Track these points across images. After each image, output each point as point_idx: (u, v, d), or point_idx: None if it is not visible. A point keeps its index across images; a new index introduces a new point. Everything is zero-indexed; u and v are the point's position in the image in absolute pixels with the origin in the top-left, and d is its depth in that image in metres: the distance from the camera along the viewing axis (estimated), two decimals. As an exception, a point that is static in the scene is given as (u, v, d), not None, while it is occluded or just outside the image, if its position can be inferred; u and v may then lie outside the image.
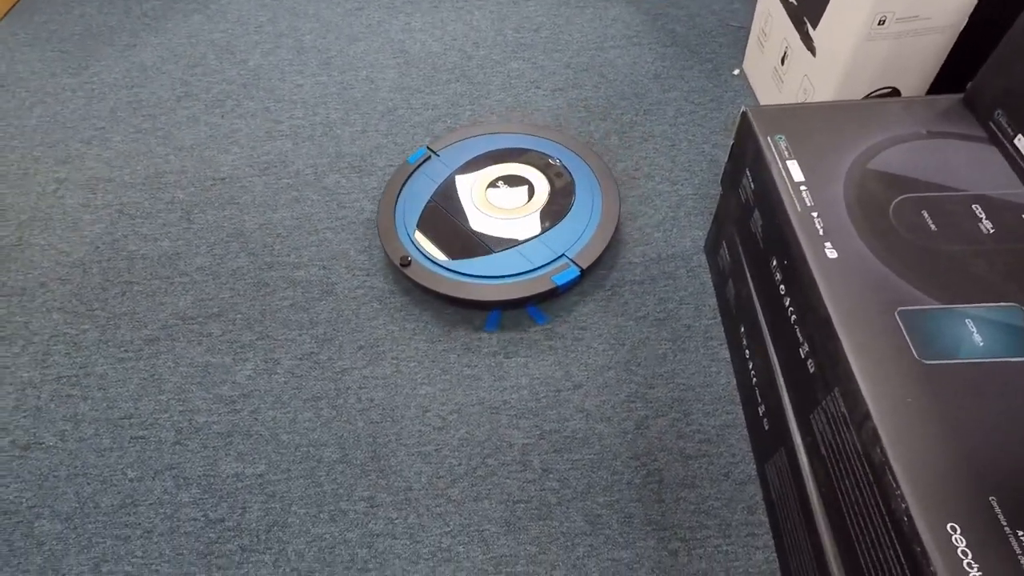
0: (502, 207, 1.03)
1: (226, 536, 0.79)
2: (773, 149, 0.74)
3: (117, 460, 0.86)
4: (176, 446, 0.87)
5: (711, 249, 0.99)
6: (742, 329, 0.86)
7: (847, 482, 0.58)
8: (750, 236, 0.80)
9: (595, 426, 0.86)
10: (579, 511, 0.79)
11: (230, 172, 1.20)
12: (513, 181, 1.06)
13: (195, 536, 0.80)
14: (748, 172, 0.79)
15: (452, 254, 0.97)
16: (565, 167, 1.07)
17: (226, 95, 1.34)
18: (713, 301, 0.97)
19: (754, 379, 0.82)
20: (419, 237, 1.00)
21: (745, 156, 0.80)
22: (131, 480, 0.84)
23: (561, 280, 0.93)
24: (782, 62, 1.12)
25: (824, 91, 1.00)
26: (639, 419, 0.86)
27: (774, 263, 0.73)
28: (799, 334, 0.67)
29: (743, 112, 0.79)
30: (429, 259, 0.97)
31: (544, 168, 1.07)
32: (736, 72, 1.30)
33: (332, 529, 0.79)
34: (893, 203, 0.69)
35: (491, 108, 1.27)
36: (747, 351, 0.84)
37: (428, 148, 1.13)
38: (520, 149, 1.11)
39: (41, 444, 0.88)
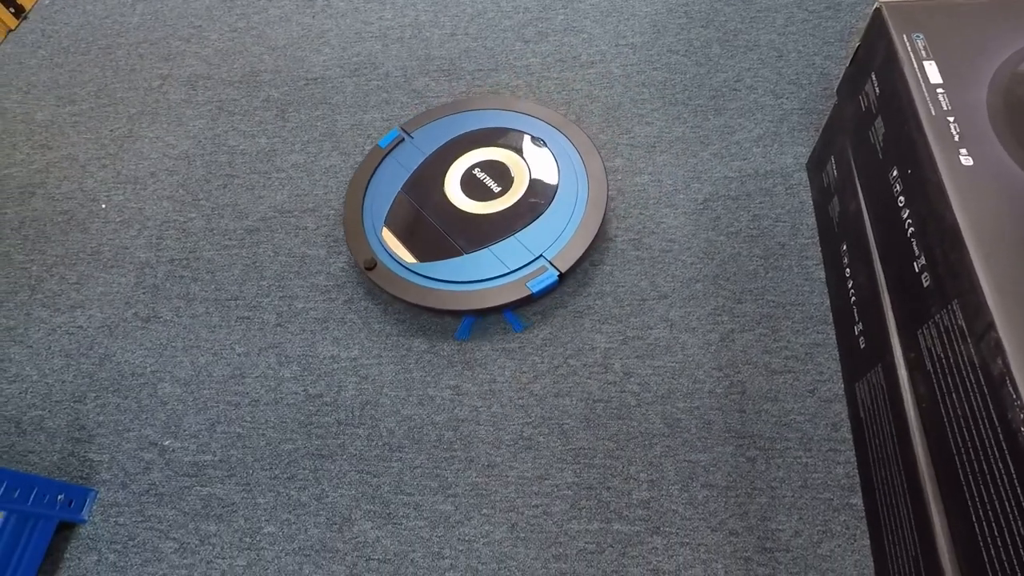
0: (477, 199, 0.93)
1: (324, 410, 0.86)
2: (908, 48, 0.68)
3: (226, 336, 0.93)
4: (277, 327, 0.93)
5: (815, 165, 0.94)
6: (844, 247, 0.82)
7: (954, 395, 0.57)
8: (867, 147, 0.75)
9: (679, 336, 0.86)
10: (658, 414, 0.81)
11: (321, 72, 1.21)
12: (490, 168, 0.95)
13: (296, 408, 0.87)
14: (874, 76, 0.74)
15: (420, 256, 0.89)
16: (549, 148, 0.97)
17: (316, -5, 1.34)
18: (811, 220, 0.93)
19: (852, 297, 0.79)
20: (386, 235, 0.91)
21: (873, 58, 0.74)
22: (239, 355, 0.91)
23: (537, 287, 0.84)
24: (915, -38, 1.01)
25: (965, -7, 0.90)
26: (725, 332, 0.86)
27: (894, 173, 0.69)
28: (916, 247, 0.64)
29: (876, 8, 0.72)
30: (396, 261, 0.89)
31: (526, 152, 0.97)
32: (857, -24, 1.18)
33: (420, 411, 0.84)
34: (1045, 109, 0.62)
35: (584, 12, 1.21)
36: (847, 269, 0.81)
37: (401, 129, 1.02)
38: (500, 129, 1.00)
39: (160, 318, 0.96)
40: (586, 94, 1.10)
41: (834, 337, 0.84)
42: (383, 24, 1.26)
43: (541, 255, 0.87)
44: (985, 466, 0.53)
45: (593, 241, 0.88)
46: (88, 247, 1.04)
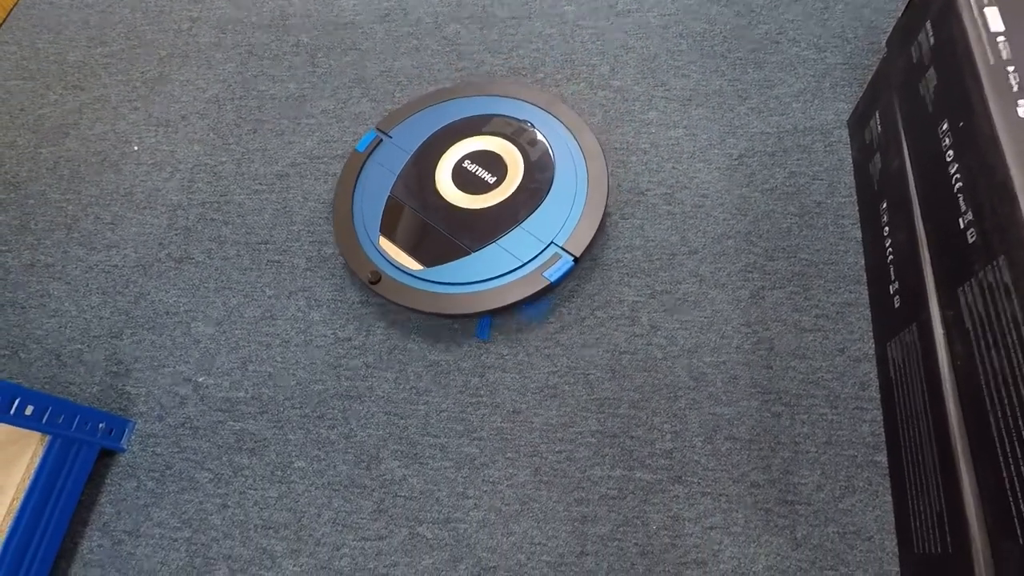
0: (473, 193, 0.89)
1: (352, 353, 0.87)
2: (970, -7, 0.65)
3: (256, 279, 0.95)
4: (307, 271, 0.94)
5: (857, 122, 0.92)
6: (884, 205, 0.80)
7: (993, 353, 0.56)
8: (916, 100, 0.73)
9: (708, 291, 0.85)
10: (684, 367, 0.81)
11: (352, 18, 1.19)
12: (481, 158, 0.91)
13: (326, 350, 0.88)
14: (929, 25, 0.70)
15: (425, 261, 0.85)
16: (538, 130, 0.93)
17: (345, -62, 1.30)
18: (850, 178, 0.91)
19: (890, 256, 0.77)
20: (385, 244, 0.86)
21: (929, 5, 0.71)
22: (269, 297, 0.93)
23: (554, 275, 0.81)
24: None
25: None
26: (755, 289, 0.85)
27: (944, 126, 0.66)
28: (963, 202, 0.62)
29: (937, -50, 0.69)
30: (400, 270, 0.85)
31: (514, 136, 0.92)
32: (912, -76, 1.12)
33: (447, 357, 0.85)
34: (1112, 59, 0.59)
35: (621, -41, 1.17)
36: (886, 228, 0.79)
37: (377, 129, 0.98)
38: (484, 116, 0.95)
39: (192, 259, 0.98)
40: (621, 44, 1.07)
41: (867, 297, 0.83)
42: (414, -32, 1.23)
43: (552, 242, 0.84)
44: (1022, 422, 0.52)
45: (603, 219, 0.86)
46: (121, 188, 1.06)
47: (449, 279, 0.84)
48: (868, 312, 0.82)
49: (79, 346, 0.92)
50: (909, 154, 0.75)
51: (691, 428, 0.78)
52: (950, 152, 0.65)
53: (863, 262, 0.85)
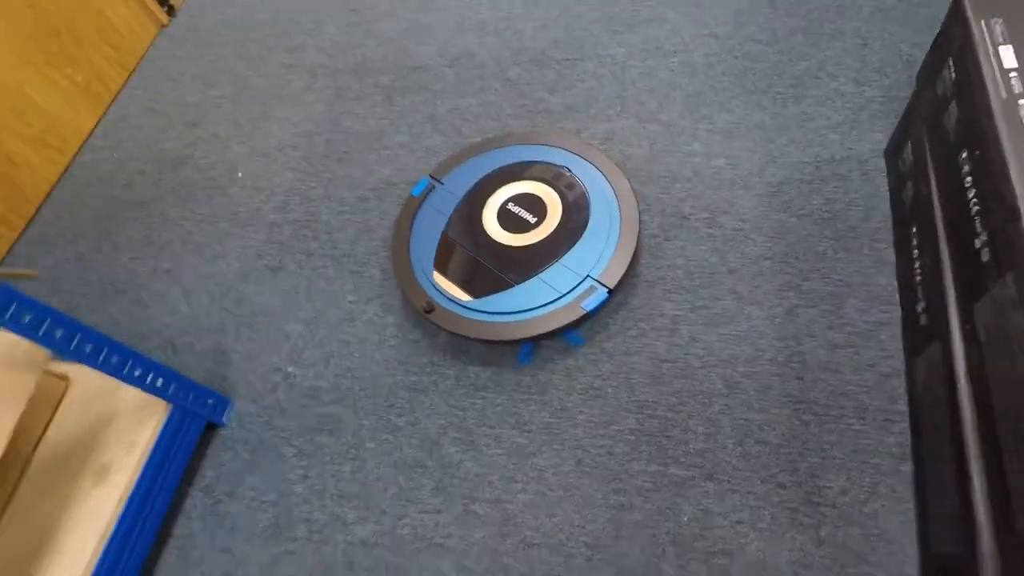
0: (516, 232, 0.98)
1: (420, 352, 0.99)
2: (985, 32, 0.71)
3: (340, 286, 1.08)
4: (383, 282, 1.07)
5: (893, 152, 0.97)
6: (914, 229, 0.85)
7: (1000, 362, 0.61)
8: (941, 131, 0.78)
9: (745, 308, 0.92)
10: (720, 376, 0.88)
11: (425, 62, 1.34)
12: (523, 201, 1.00)
13: (396, 348, 1.00)
14: (951, 62, 0.77)
15: (474, 292, 0.93)
16: (574, 174, 1.02)
17: (423, -9, 1.48)
18: (885, 206, 0.96)
19: (918, 276, 0.82)
20: (438, 278, 0.96)
21: (951, 44, 0.77)
22: (350, 302, 1.06)
23: (591, 306, 0.88)
24: (1015, -49, 1.00)
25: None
26: (790, 307, 0.91)
27: (964, 155, 0.72)
28: (978, 225, 0.67)
29: (956, -5, 0.75)
30: (452, 300, 0.94)
31: (553, 181, 1.02)
32: (954, -33, 1.17)
33: (503, 358, 0.95)
34: (1120, 94, 0.64)
35: (670, 4, 1.28)
36: (915, 250, 0.84)
37: (431, 177, 1.08)
38: (526, 163, 1.05)
39: (285, 269, 1.13)
40: (668, 82, 1.17)
41: (898, 317, 0.87)
42: (479, 18, 1.38)
43: (588, 275, 0.91)
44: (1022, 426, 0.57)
45: (635, 254, 0.93)
46: (228, 208, 1.23)
47: (495, 309, 0.92)
48: (899, 331, 0.86)
49: (190, 338, 1.07)
50: (935, 181, 0.80)
51: (723, 431, 0.84)
52: (968, 179, 0.71)
53: (895, 284, 0.89)
